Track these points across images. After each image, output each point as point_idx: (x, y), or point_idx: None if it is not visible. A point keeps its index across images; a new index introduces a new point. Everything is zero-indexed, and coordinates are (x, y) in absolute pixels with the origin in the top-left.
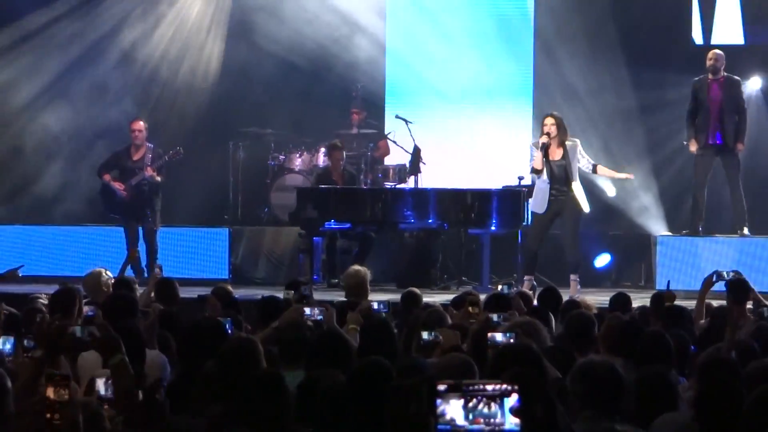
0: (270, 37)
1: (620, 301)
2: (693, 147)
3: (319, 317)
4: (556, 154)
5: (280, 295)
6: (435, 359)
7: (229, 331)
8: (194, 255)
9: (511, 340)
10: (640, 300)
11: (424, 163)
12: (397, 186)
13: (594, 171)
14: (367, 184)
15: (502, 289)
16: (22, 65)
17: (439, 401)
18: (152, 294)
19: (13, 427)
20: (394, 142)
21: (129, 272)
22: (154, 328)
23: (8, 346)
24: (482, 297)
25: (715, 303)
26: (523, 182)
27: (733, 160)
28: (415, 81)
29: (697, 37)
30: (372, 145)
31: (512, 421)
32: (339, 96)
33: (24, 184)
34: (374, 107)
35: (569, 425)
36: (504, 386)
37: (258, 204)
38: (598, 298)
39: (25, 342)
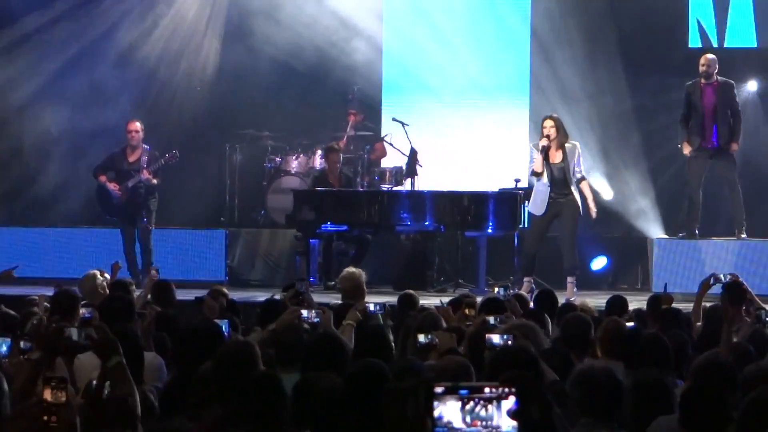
0: (267, 39)
1: (616, 304)
2: (686, 149)
3: (316, 320)
4: (555, 156)
5: (278, 297)
6: (432, 362)
7: (226, 334)
8: (191, 257)
9: (509, 342)
10: (636, 303)
11: (421, 166)
12: (394, 188)
13: (577, 183)
14: (364, 186)
15: (498, 292)
16: (19, 66)
17: (436, 403)
18: (149, 296)
19: (10, 430)
20: (391, 144)
21: (126, 274)
22: (150, 330)
23: (4, 348)
24: (478, 299)
25: (709, 305)
26: (519, 185)
27: (729, 162)
28: (411, 83)
29: (710, 39)
30: (368, 148)
31: (509, 424)
32: (336, 98)
33: (20, 185)
34: (371, 109)
35: (566, 428)
36: (501, 389)
37: (254, 206)
38: (594, 301)
39: (22, 344)
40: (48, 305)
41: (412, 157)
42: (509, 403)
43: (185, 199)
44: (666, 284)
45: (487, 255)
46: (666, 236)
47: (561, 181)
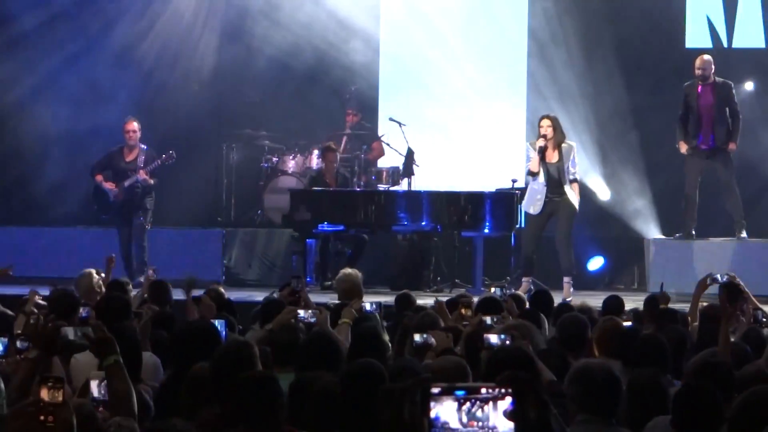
0: (264, 39)
1: (613, 305)
2: (683, 148)
3: (312, 319)
4: (552, 156)
5: (275, 296)
6: (429, 361)
7: (223, 333)
8: (187, 257)
9: (507, 342)
10: (633, 303)
11: (418, 166)
12: (391, 188)
13: (569, 183)
14: (361, 186)
15: (495, 292)
16: (16, 64)
17: (432, 404)
18: (145, 295)
19: (6, 429)
20: (388, 144)
21: (123, 273)
22: (147, 329)
23: (1, 347)
24: (475, 299)
25: (705, 304)
26: (516, 185)
27: (726, 162)
28: (409, 83)
29: (719, 39)
30: (365, 148)
31: (505, 425)
32: (333, 98)
33: (17, 184)
34: (368, 109)
35: (563, 428)
36: (497, 389)
37: (251, 206)
38: (591, 301)
39: (18, 343)
40: (40, 301)
41: (409, 157)
42: (506, 403)
43: (182, 198)
44: (662, 284)
45: (484, 255)
46: (663, 236)
47: (556, 180)
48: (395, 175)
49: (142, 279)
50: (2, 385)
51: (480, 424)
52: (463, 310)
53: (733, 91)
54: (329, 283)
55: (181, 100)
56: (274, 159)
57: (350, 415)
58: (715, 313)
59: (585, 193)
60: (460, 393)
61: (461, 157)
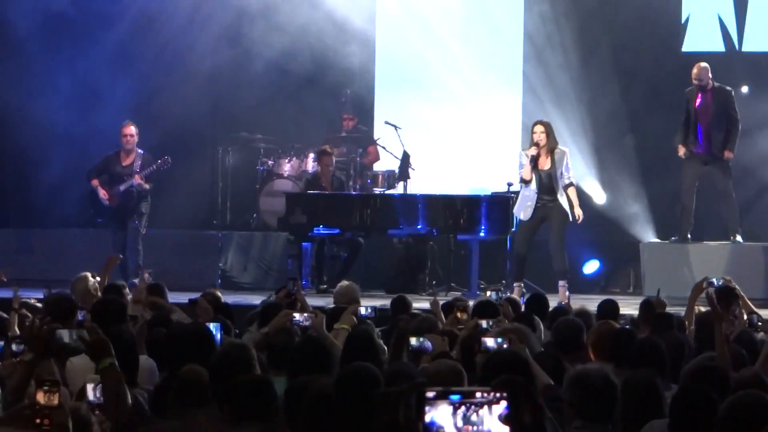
0: (260, 42)
1: (608, 308)
2: (681, 152)
3: (308, 323)
4: (545, 163)
5: (272, 299)
6: (424, 365)
7: (218, 336)
8: (183, 260)
9: (504, 345)
10: (628, 306)
11: (413, 169)
12: (386, 192)
13: (564, 188)
14: (356, 189)
15: (490, 296)
16: (12, 67)
17: (427, 408)
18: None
19: None
20: (384, 147)
21: (119, 277)
22: (143, 333)
23: None
24: (471, 303)
25: (703, 309)
26: (512, 188)
27: (724, 169)
28: (404, 86)
29: (724, 43)
30: (361, 151)
31: (501, 429)
32: (329, 102)
33: (13, 187)
34: (364, 113)
35: None
36: (492, 393)
37: (247, 209)
38: (586, 305)
39: (14, 346)
40: (36, 304)
41: (405, 160)
42: (501, 407)
43: (178, 201)
44: (659, 290)
45: (480, 258)
46: (658, 240)
47: (548, 186)
48: (391, 178)
49: (137, 281)
50: None
51: (475, 428)
52: (458, 314)
53: (733, 97)
54: (325, 286)
55: (178, 103)
56: (270, 162)
57: (345, 419)
58: (711, 319)
59: (581, 196)
60: (455, 397)
61: (457, 160)
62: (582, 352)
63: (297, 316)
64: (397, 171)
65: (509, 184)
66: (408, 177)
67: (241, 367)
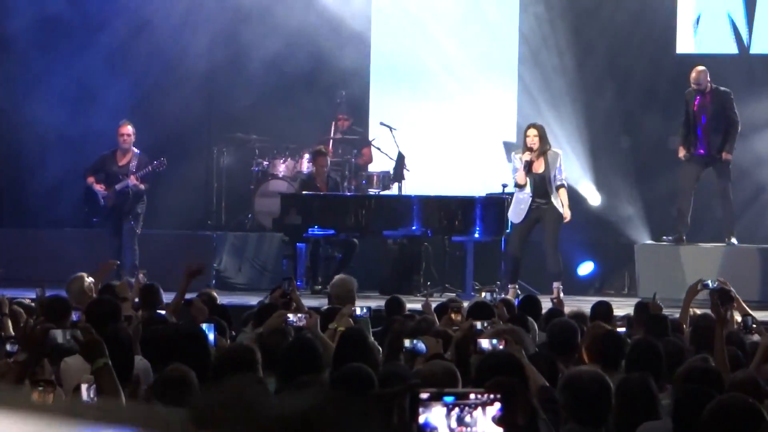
0: (255, 43)
1: (601, 310)
2: (680, 153)
3: (302, 323)
4: (538, 166)
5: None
6: (419, 367)
7: (212, 337)
8: (177, 260)
9: (500, 347)
10: (623, 308)
11: (408, 170)
12: (381, 193)
13: (556, 189)
14: (351, 190)
15: (485, 297)
16: (7, 67)
17: (421, 409)
18: (136, 299)
19: None
20: (378, 149)
21: (114, 278)
22: (137, 333)
23: None
24: (465, 304)
25: (699, 311)
26: (506, 190)
27: (723, 170)
28: (400, 88)
29: (733, 45)
30: (356, 152)
31: (494, 430)
32: (324, 102)
33: (8, 187)
34: (359, 114)
35: None
36: (486, 395)
37: (242, 210)
38: (581, 307)
39: (8, 346)
40: (30, 303)
41: (400, 161)
42: (494, 409)
43: (172, 201)
44: (655, 294)
45: (474, 260)
46: (653, 242)
47: (542, 189)
48: (386, 179)
49: (133, 281)
50: None
51: (469, 429)
52: (452, 315)
53: (732, 99)
54: (319, 287)
55: (173, 104)
56: (265, 163)
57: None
58: (707, 322)
59: (576, 198)
60: (449, 399)
61: (451, 161)
62: (576, 354)
63: (291, 316)
64: (391, 172)
65: (504, 186)
66: (403, 178)
67: (244, 368)
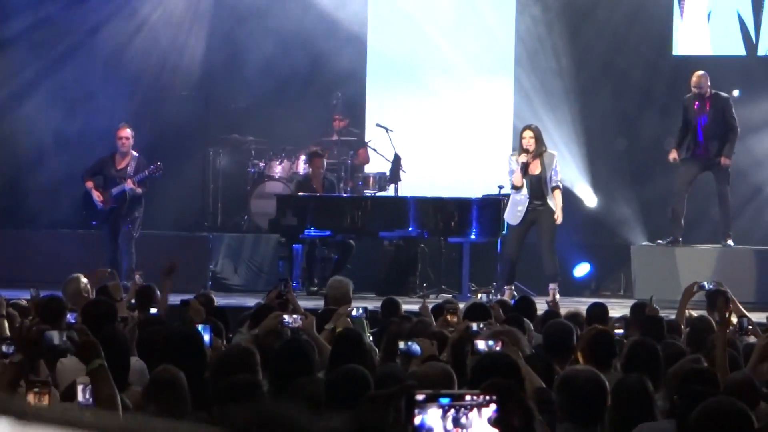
0: (251, 44)
1: (597, 312)
2: (671, 155)
3: (297, 325)
4: (534, 168)
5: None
6: (415, 368)
7: (208, 338)
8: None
9: (497, 348)
10: (619, 309)
11: (405, 171)
12: (377, 194)
13: (551, 191)
14: (347, 191)
15: (481, 298)
16: (3, 69)
17: (417, 411)
18: (132, 300)
19: None
20: (375, 150)
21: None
22: (133, 334)
23: None
24: (461, 306)
25: (695, 313)
26: (502, 191)
27: (722, 174)
28: (396, 89)
29: (743, 47)
30: (352, 153)
31: None
32: (320, 104)
33: (5, 188)
34: (355, 115)
35: None
36: (482, 396)
37: (238, 211)
38: (578, 307)
39: (3, 347)
40: (23, 303)
41: (396, 162)
42: (490, 410)
43: (168, 203)
44: (652, 297)
45: (470, 261)
46: (649, 243)
47: (539, 191)
48: (382, 180)
49: (128, 284)
50: None
51: (465, 431)
52: (448, 317)
53: (731, 104)
54: (315, 288)
55: (169, 105)
56: (261, 164)
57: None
58: (704, 324)
59: (572, 200)
60: (444, 400)
61: (448, 162)
62: (572, 355)
63: (287, 317)
64: (388, 173)
65: (500, 187)
66: (399, 179)
67: (243, 370)
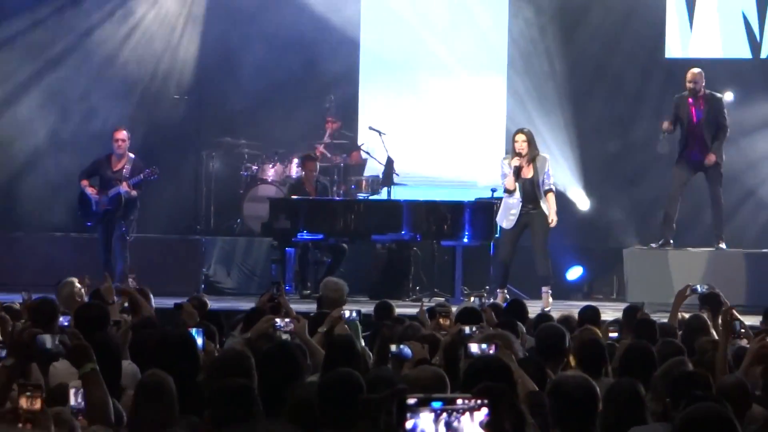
0: (244, 47)
1: (588, 315)
2: (665, 125)
3: (289, 328)
4: (527, 172)
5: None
6: (407, 371)
7: (201, 342)
8: (166, 264)
9: (490, 351)
10: (612, 312)
11: (398, 175)
12: (370, 197)
13: (544, 194)
14: (340, 195)
15: (474, 302)
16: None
17: (409, 415)
18: (125, 304)
19: None
20: (368, 153)
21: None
22: (126, 338)
23: None
24: (453, 309)
25: (687, 315)
26: (495, 194)
27: (714, 175)
28: (389, 92)
29: (748, 51)
30: (345, 156)
31: None
32: (313, 107)
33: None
34: (348, 118)
35: None
36: (473, 400)
37: (231, 214)
38: (570, 311)
39: None
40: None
41: (389, 165)
42: (482, 414)
43: (161, 206)
44: (644, 303)
45: (463, 264)
46: (641, 246)
47: (532, 194)
48: (375, 183)
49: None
50: None
51: None
52: (441, 320)
53: (723, 104)
54: (308, 292)
55: (162, 108)
56: (254, 167)
57: (327, 425)
58: (699, 324)
59: (565, 203)
60: (436, 404)
61: (441, 165)
62: (564, 359)
63: (279, 321)
64: (381, 176)
65: (493, 190)
66: (392, 182)
67: (239, 374)
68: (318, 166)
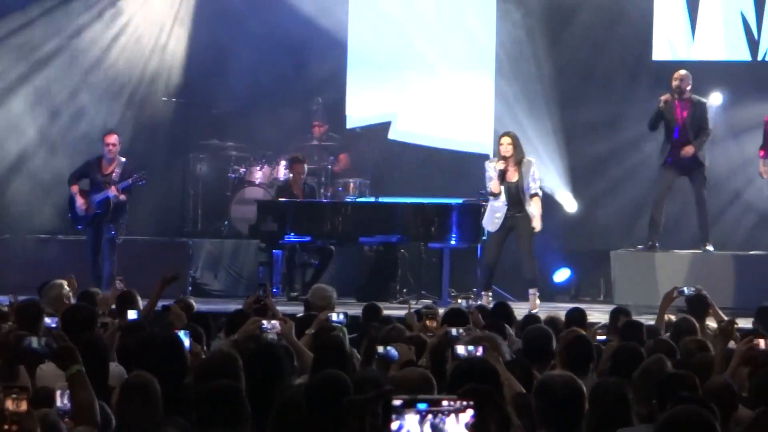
0: (232, 49)
1: (575, 317)
2: (663, 97)
3: (276, 330)
4: (512, 175)
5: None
6: (393, 372)
7: (188, 343)
8: (153, 267)
9: (477, 353)
10: (599, 315)
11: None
12: (358, 200)
13: (530, 198)
14: (328, 197)
15: (461, 304)
16: None
17: (394, 416)
18: (113, 306)
19: None
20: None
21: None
22: (113, 340)
23: None
24: (441, 311)
25: (674, 318)
26: (482, 197)
27: (698, 176)
28: (376, 95)
29: (747, 53)
30: (332, 159)
31: None
32: (300, 109)
33: None
34: (335, 120)
35: None
36: (459, 402)
37: (218, 216)
38: (556, 313)
39: None
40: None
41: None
42: (467, 416)
43: (149, 208)
44: (631, 311)
45: (451, 266)
46: (628, 249)
47: (517, 198)
48: (362, 186)
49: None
50: None
51: None
52: (427, 322)
53: (707, 109)
54: (296, 294)
55: (149, 111)
56: (242, 170)
57: (314, 426)
58: (687, 326)
59: (552, 205)
60: (422, 406)
61: (429, 167)
62: (551, 360)
63: (265, 323)
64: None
65: (480, 193)
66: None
67: (225, 375)
68: (306, 169)
